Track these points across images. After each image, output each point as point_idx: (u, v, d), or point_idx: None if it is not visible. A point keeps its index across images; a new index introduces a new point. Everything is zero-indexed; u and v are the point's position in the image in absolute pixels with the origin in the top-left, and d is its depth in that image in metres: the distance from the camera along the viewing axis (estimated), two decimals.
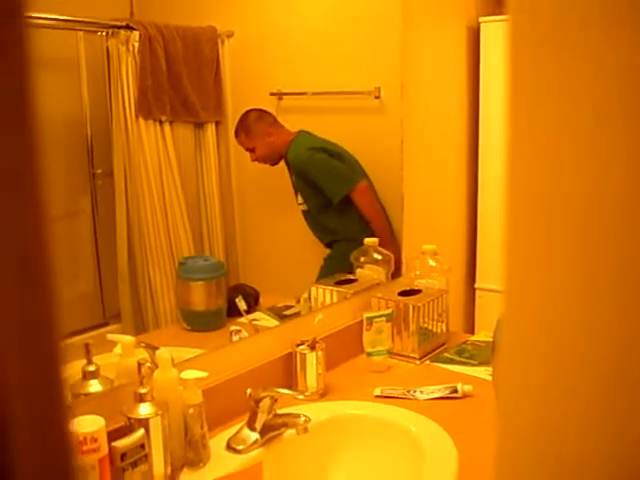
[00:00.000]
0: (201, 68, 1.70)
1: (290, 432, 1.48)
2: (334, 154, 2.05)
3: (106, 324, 1.56)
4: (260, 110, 1.87)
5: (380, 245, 2.10)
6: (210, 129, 1.74)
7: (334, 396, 1.70)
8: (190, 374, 1.34)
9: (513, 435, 0.43)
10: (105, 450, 1.11)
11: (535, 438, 0.41)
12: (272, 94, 1.90)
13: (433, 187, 2.39)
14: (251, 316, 1.77)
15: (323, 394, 1.70)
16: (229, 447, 1.42)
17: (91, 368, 1.33)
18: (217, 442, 1.43)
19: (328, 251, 2.10)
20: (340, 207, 2.07)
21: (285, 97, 1.91)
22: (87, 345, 1.33)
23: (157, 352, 1.37)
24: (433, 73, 2.33)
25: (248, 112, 1.85)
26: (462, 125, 2.52)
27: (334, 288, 1.99)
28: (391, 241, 2.18)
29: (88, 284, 1.56)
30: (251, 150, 1.87)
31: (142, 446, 1.19)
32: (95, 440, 1.08)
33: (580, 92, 0.36)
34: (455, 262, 2.49)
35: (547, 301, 0.39)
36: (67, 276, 1.49)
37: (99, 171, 1.55)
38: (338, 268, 2.10)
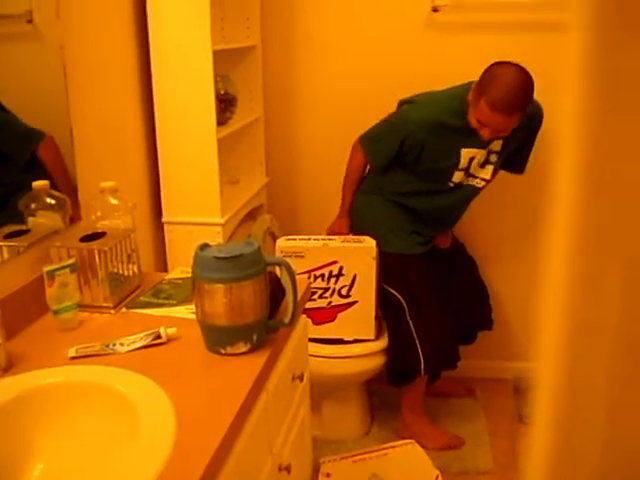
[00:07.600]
0: None
1: None
2: None
3: None
4: None
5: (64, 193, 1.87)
6: None
7: (21, 367, 1.47)
8: None
9: None
10: None
11: None
12: None
13: (106, 118, 2.17)
14: None
15: (7, 368, 1.46)
16: None
17: None
18: None
19: None
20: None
21: None
22: None
23: None
24: None
25: None
26: (130, 47, 2.31)
27: (3, 243, 1.72)
28: (73, 186, 1.95)
29: None
30: None
31: None
32: None
33: None
34: (139, 198, 2.34)
35: None
36: None
37: None
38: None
